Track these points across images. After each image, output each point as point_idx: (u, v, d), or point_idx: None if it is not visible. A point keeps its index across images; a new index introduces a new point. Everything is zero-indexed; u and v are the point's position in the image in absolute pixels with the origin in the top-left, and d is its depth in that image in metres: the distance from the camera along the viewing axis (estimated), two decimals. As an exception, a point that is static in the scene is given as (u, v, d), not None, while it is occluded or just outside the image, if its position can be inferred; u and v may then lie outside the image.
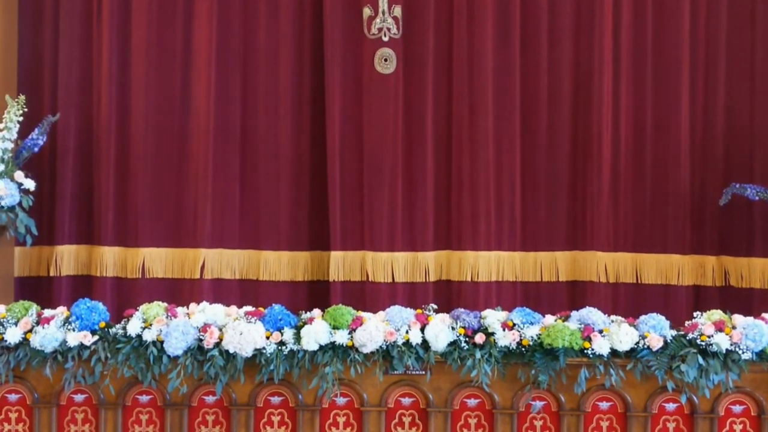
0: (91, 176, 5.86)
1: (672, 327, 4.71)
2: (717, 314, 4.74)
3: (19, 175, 5.12)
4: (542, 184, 5.83)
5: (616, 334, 4.60)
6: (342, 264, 5.78)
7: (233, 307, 4.86)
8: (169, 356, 4.61)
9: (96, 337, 4.67)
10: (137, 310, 4.77)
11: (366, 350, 4.61)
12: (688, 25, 5.76)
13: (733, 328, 4.65)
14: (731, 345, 4.58)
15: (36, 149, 5.27)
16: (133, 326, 4.67)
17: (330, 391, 4.59)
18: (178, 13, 5.83)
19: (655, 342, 4.58)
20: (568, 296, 5.79)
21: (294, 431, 4.72)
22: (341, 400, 4.71)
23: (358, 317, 4.71)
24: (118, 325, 4.75)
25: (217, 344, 4.63)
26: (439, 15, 5.81)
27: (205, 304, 4.89)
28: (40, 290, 5.76)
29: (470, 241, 5.77)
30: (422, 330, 4.66)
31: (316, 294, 5.80)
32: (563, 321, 4.71)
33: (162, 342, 4.62)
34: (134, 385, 4.71)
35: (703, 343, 4.59)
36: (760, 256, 5.66)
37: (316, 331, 4.61)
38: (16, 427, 4.75)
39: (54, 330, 4.65)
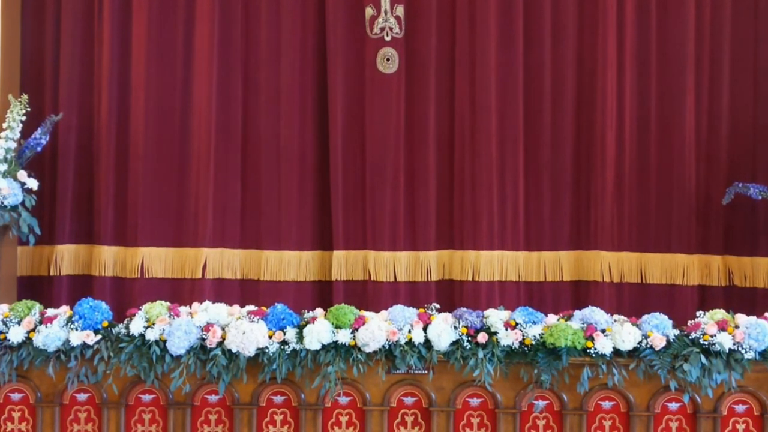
0: (92, 175, 5.86)
1: (677, 327, 4.71)
2: (720, 314, 4.74)
3: (22, 174, 5.12)
4: (546, 184, 5.82)
5: (619, 334, 4.60)
6: (344, 263, 5.78)
7: (236, 307, 4.87)
8: (171, 355, 4.62)
9: (99, 337, 4.68)
10: (140, 309, 4.77)
11: (368, 349, 4.61)
12: (692, 23, 5.74)
13: (736, 327, 4.65)
14: (734, 344, 4.57)
15: (39, 149, 5.27)
16: (136, 325, 4.68)
17: (333, 390, 4.60)
18: (179, 11, 5.83)
19: (658, 341, 4.58)
20: (572, 296, 5.77)
21: (296, 430, 4.72)
22: (344, 400, 4.71)
23: (360, 316, 4.71)
24: (120, 325, 4.76)
25: (220, 343, 4.63)
26: (441, 14, 5.80)
27: (207, 303, 4.90)
28: (40, 290, 5.76)
29: (472, 241, 5.76)
30: (425, 329, 4.66)
31: (318, 293, 5.80)
32: (566, 320, 4.71)
33: (165, 341, 4.62)
34: (137, 385, 4.72)
35: (706, 343, 4.59)
36: (763, 256, 5.65)
37: (319, 331, 4.61)
38: (19, 426, 4.76)
39: (57, 329, 4.66)
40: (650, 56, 5.78)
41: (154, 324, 4.68)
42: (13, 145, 5.15)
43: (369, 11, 5.79)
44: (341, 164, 5.79)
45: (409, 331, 4.66)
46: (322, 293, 5.78)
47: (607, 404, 4.69)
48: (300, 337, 4.63)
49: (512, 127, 5.78)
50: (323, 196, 5.85)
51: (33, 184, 5.15)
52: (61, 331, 4.66)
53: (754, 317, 4.72)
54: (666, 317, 4.71)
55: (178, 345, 4.59)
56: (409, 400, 4.72)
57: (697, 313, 4.80)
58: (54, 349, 4.65)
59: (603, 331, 4.63)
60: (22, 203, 5.11)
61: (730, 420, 4.67)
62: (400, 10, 5.78)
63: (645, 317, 4.72)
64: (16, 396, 4.76)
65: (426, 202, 5.81)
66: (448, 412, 4.69)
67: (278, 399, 4.73)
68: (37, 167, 5.40)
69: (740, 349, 4.57)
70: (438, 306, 4.84)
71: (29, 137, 5.26)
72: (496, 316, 4.71)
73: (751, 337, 4.58)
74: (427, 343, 4.64)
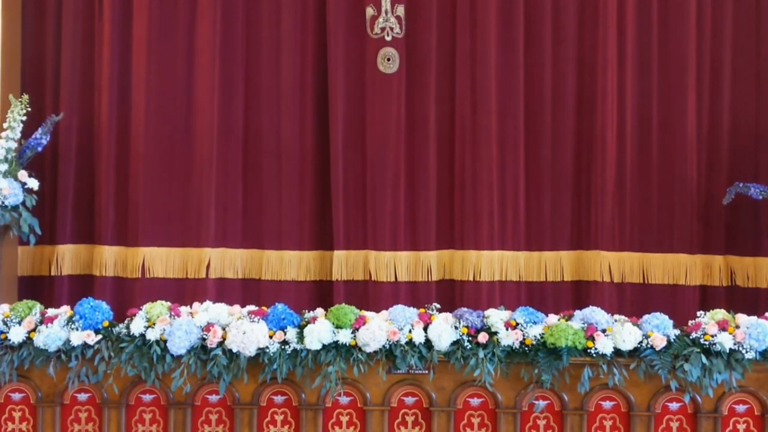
0: (93, 175, 5.86)
1: (678, 327, 4.70)
2: (720, 313, 4.74)
3: (22, 174, 5.12)
4: (546, 183, 5.81)
5: (620, 334, 4.60)
6: (345, 263, 5.77)
7: (236, 307, 4.87)
8: (172, 355, 4.62)
9: (99, 337, 4.68)
10: (141, 309, 4.77)
11: (369, 349, 4.61)
12: (693, 21, 5.73)
13: (737, 327, 4.64)
14: (735, 344, 4.57)
15: (39, 149, 5.27)
16: (137, 325, 4.68)
17: (333, 390, 4.59)
18: (180, 12, 5.82)
19: (659, 341, 4.58)
20: (572, 296, 5.77)
21: (297, 430, 4.72)
22: (344, 400, 4.71)
23: (361, 316, 4.71)
24: (121, 325, 4.76)
25: (221, 343, 4.63)
26: (441, 14, 5.80)
27: (208, 303, 4.90)
28: (41, 289, 5.76)
29: (473, 241, 5.75)
30: (425, 329, 4.66)
31: (319, 293, 5.80)
32: (566, 320, 4.71)
33: (165, 341, 4.62)
34: (137, 384, 4.72)
35: (707, 343, 4.59)
36: (766, 256, 5.64)
37: (320, 331, 4.61)
38: (20, 426, 4.76)
39: (57, 329, 4.66)
40: (651, 55, 5.77)
41: (154, 324, 4.67)
42: (14, 145, 5.15)
43: (369, 11, 5.78)
44: (342, 164, 5.79)
45: (410, 331, 4.65)
46: (323, 293, 5.78)
47: (607, 404, 4.68)
48: (300, 337, 4.63)
49: (513, 126, 5.77)
50: (324, 196, 5.85)
51: (34, 184, 5.15)
52: (62, 331, 4.66)
53: (755, 317, 4.72)
54: (666, 317, 4.70)
55: (178, 345, 4.59)
56: (409, 400, 4.72)
57: (698, 313, 4.79)
58: (55, 348, 4.65)
59: (603, 331, 4.63)
60: (23, 203, 5.11)
61: (731, 420, 4.66)
62: (400, 10, 5.78)
63: (645, 317, 4.72)
64: (16, 396, 4.77)
65: (426, 202, 5.80)
66: (448, 412, 4.69)
67: (279, 399, 4.73)
68: (38, 167, 5.40)
69: (741, 349, 4.56)
70: (438, 306, 4.83)
71: (30, 137, 5.26)
72: (496, 316, 4.71)
73: (751, 337, 4.58)
74: (428, 343, 4.64)
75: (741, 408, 4.66)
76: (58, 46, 5.86)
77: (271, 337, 4.63)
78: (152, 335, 4.64)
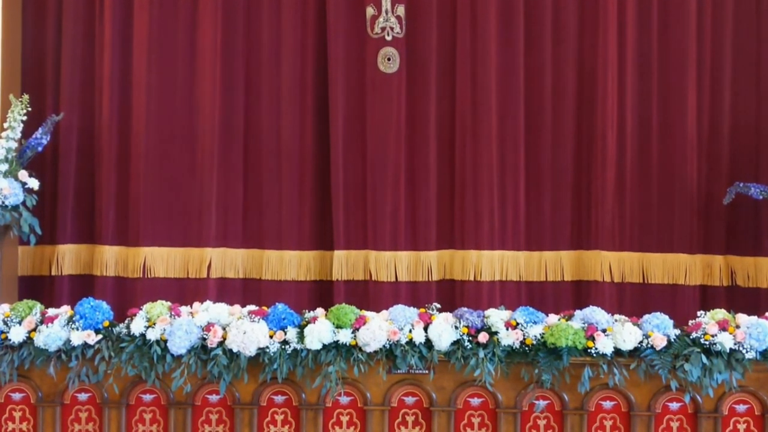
0: (93, 175, 5.87)
1: (678, 327, 4.70)
2: (721, 313, 4.74)
3: (23, 174, 5.12)
4: (546, 183, 5.81)
5: (620, 333, 4.60)
6: (345, 263, 5.78)
7: (237, 306, 4.87)
8: (172, 355, 4.62)
9: (100, 336, 4.68)
10: (141, 309, 4.77)
11: (369, 349, 4.61)
12: (694, 22, 5.74)
13: (737, 327, 4.64)
14: (735, 344, 4.57)
15: (40, 149, 5.27)
16: (137, 325, 4.68)
17: (333, 390, 4.60)
18: (180, 12, 5.83)
19: (659, 341, 4.58)
20: (573, 296, 5.77)
21: (297, 430, 4.72)
22: (344, 399, 4.71)
23: (361, 316, 4.71)
24: (121, 324, 4.76)
25: (221, 343, 4.63)
26: (442, 14, 5.80)
27: (208, 303, 4.90)
28: (41, 289, 5.77)
29: (473, 241, 5.75)
30: (425, 329, 4.66)
31: (319, 293, 5.80)
32: (567, 320, 4.71)
33: (166, 341, 4.62)
34: (138, 384, 4.72)
35: (707, 343, 4.59)
36: (766, 256, 5.64)
37: (320, 330, 4.61)
38: (20, 426, 4.76)
39: (58, 329, 4.66)
40: (651, 55, 5.77)
41: (155, 324, 4.68)
42: (14, 145, 5.16)
43: (370, 11, 5.79)
44: (342, 164, 5.79)
45: (410, 331, 4.65)
46: (323, 293, 5.79)
47: (608, 404, 4.69)
48: (301, 337, 4.63)
49: (513, 126, 5.78)
50: (324, 196, 5.85)
51: (34, 183, 5.15)
52: (62, 330, 4.67)
53: (755, 317, 4.72)
54: (667, 317, 4.70)
55: (178, 345, 4.59)
56: (409, 400, 4.72)
57: (698, 313, 4.79)
58: (55, 348, 4.65)
59: (604, 330, 4.63)
60: (23, 203, 5.11)
61: (731, 420, 4.66)
62: (400, 9, 5.78)
63: (646, 317, 4.72)
64: (17, 396, 4.77)
65: (427, 202, 5.81)
66: (448, 411, 4.69)
67: (279, 399, 4.73)
68: (38, 167, 5.40)
69: (741, 348, 4.57)
70: (439, 306, 4.83)
71: (30, 137, 5.26)
72: (496, 316, 4.71)
73: (752, 337, 4.58)
74: (428, 343, 4.64)
75: (741, 408, 4.66)
76: (59, 46, 5.87)
77: (271, 337, 4.63)
78: (152, 335, 4.64)
